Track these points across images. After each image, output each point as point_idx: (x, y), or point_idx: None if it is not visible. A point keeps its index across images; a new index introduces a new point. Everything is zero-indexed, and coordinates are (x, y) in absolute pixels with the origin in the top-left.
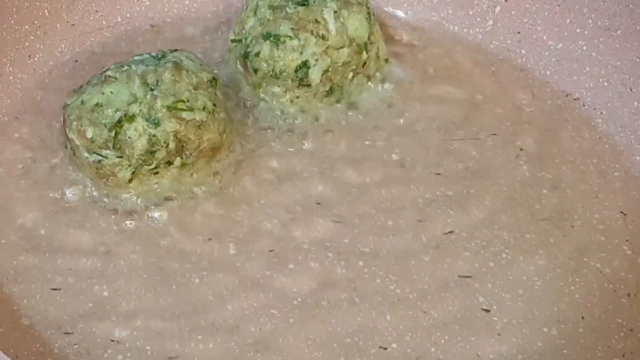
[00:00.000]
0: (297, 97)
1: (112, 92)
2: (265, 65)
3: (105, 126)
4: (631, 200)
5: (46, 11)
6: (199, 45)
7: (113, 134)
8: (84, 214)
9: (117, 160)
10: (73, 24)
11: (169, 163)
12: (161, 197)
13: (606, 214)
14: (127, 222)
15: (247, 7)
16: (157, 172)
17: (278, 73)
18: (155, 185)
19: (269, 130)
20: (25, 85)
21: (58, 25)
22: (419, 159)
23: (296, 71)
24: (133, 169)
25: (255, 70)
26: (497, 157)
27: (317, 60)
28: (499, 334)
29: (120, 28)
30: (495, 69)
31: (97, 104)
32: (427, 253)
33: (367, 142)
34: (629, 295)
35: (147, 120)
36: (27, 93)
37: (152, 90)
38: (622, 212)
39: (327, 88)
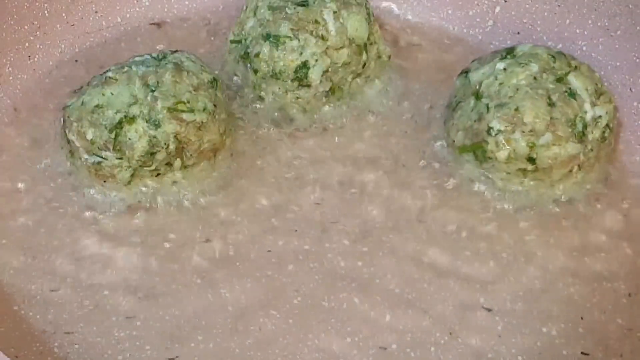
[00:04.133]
0: (298, 97)
1: (112, 94)
2: (265, 65)
3: (106, 127)
4: (631, 200)
5: (46, 11)
6: (199, 46)
7: (113, 135)
8: (83, 215)
9: (117, 161)
10: (73, 24)
11: (169, 164)
12: (161, 198)
13: (606, 214)
14: (126, 223)
15: (246, 8)
16: (157, 174)
17: (278, 73)
18: (155, 187)
19: (269, 131)
20: (25, 85)
21: (58, 26)
22: (419, 158)
23: (296, 71)
24: (132, 171)
25: (255, 71)
26: None
27: (316, 60)
28: (499, 335)
29: (120, 28)
30: None
31: (97, 105)
32: (427, 253)
33: (367, 142)
34: (629, 295)
35: (147, 121)
36: (27, 93)
37: (152, 91)
38: (622, 212)
39: (327, 88)
